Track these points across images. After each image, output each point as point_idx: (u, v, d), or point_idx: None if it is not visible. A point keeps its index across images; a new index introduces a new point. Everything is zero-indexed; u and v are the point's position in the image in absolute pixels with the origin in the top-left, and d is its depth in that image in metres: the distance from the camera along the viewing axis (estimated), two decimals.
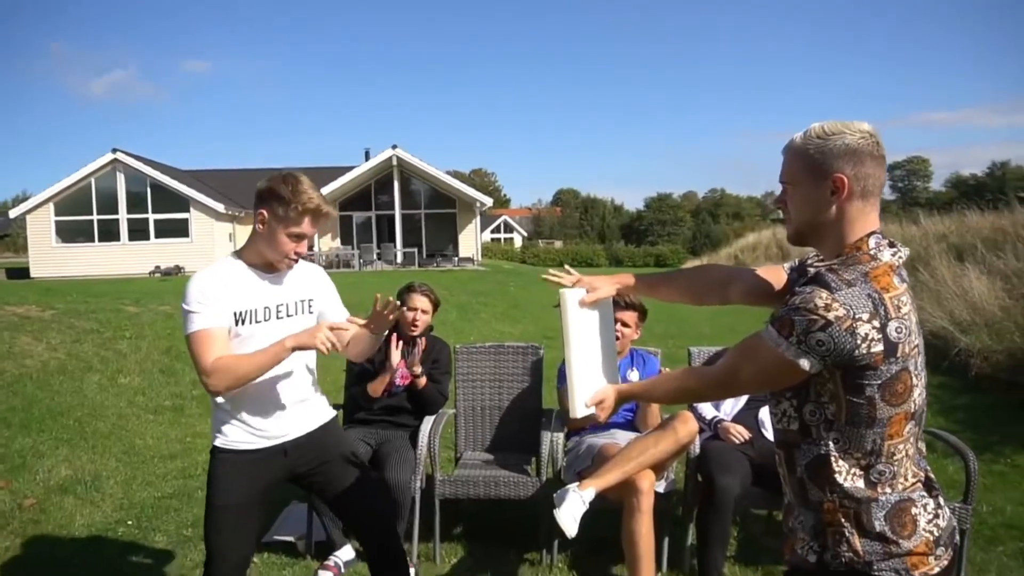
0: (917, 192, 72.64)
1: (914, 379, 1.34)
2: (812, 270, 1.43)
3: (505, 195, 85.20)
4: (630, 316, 3.38)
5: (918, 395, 1.37)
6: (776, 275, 1.67)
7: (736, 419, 3.35)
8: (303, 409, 2.35)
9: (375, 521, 2.44)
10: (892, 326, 1.29)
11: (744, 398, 3.38)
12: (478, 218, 26.91)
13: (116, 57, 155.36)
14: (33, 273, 21.96)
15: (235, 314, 2.18)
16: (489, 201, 27.43)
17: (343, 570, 3.23)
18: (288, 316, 2.28)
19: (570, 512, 2.68)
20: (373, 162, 24.58)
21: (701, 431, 3.15)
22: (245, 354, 2.14)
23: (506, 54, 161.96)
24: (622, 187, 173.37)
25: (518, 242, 57.75)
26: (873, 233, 1.39)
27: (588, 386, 1.80)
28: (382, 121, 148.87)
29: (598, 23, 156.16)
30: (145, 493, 4.31)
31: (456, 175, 34.36)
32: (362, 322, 2.24)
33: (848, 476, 1.37)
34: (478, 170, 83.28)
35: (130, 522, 3.84)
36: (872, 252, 1.37)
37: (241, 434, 2.25)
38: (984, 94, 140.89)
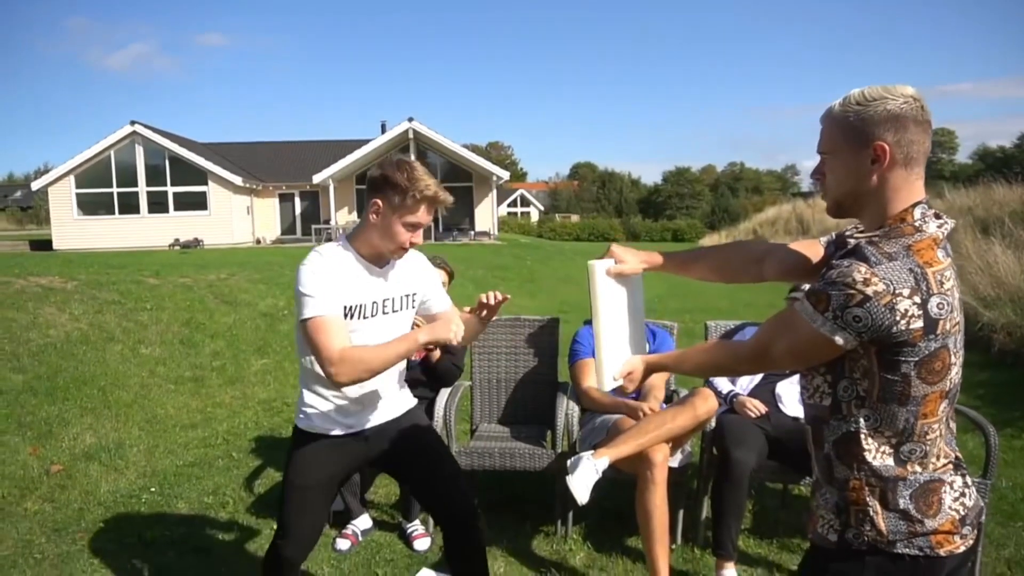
0: (942, 164, 71.23)
1: (952, 357, 1.30)
2: (852, 241, 1.36)
3: (522, 169, 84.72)
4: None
5: (955, 374, 1.32)
6: (813, 249, 1.60)
7: (752, 393, 3.34)
8: (389, 399, 2.35)
9: (454, 505, 2.35)
10: (934, 302, 1.25)
11: (759, 374, 3.36)
12: (494, 192, 26.79)
13: (135, 31, 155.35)
14: (56, 245, 22.26)
15: (345, 307, 2.12)
16: (506, 175, 27.27)
17: (360, 539, 3.28)
18: (394, 312, 2.26)
19: (582, 480, 2.69)
20: (389, 135, 24.50)
21: (718, 405, 3.14)
22: (374, 346, 2.08)
23: (523, 26, 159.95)
24: (640, 161, 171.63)
25: (535, 216, 57.49)
26: (919, 203, 1.33)
27: (616, 357, 1.77)
28: (398, 94, 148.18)
29: None
30: (167, 461, 4.39)
31: (473, 148, 34.17)
32: (469, 310, 2.27)
33: (877, 454, 1.33)
34: (495, 143, 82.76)
35: (153, 489, 3.93)
36: (917, 223, 1.31)
37: (325, 420, 2.24)
38: (1012, 65, 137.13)
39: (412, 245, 2.17)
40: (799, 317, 1.32)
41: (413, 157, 24.01)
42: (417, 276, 2.33)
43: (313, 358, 2.10)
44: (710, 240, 32.19)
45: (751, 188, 73.60)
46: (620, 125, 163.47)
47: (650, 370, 1.75)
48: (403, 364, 2.38)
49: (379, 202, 2.10)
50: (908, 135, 1.31)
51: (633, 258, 1.83)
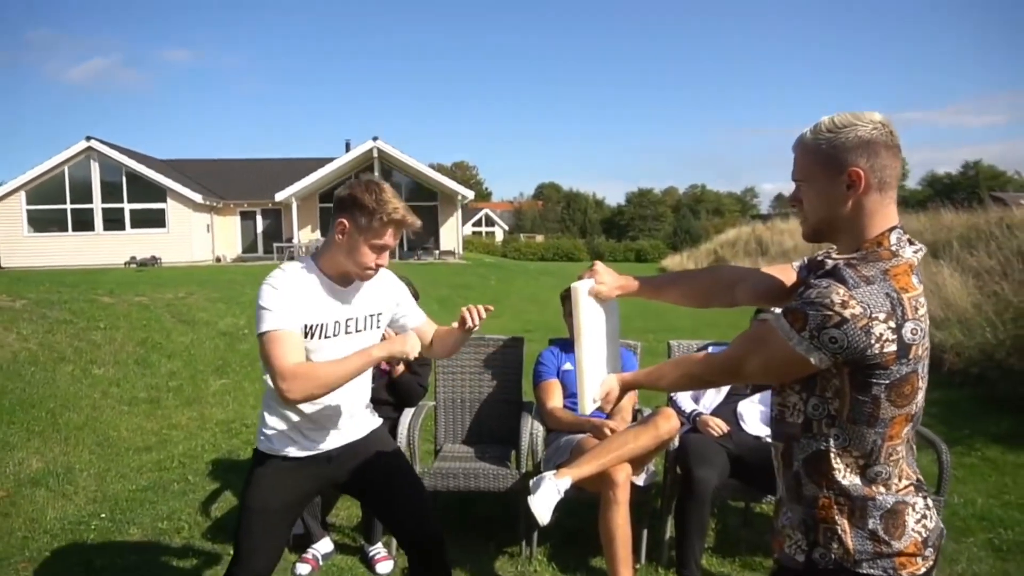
0: None
1: (920, 381, 1.33)
2: (830, 262, 1.38)
3: (487, 188, 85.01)
4: None
5: (920, 398, 1.35)
6: (785, 274, 1.62)
7: (715, 412, 3.37)
8: (353, 419, 2.30)
9: (420, 530, 2.30)
10: (908, 327, 1.27)
11: (724, 391, 3.40)
12: (459, 211, 26.83)
13: (96, 45, 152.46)
14: (4, 263, 21.52)
15: (306, 326, 2.07)
16: (471, 194, 27.33)
17: (321, 563, 3.21)
18: (357, 331, 2.21)
19: (544, 500, 2.69)
20: (353, 154, 24.40)
21: (680, 424, 3.17)
22: (327, 361, 2.04)
23: (488, 47, 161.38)
24: (604, 182, 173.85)
25: (499, 236, 57.69)
26: (894, 228, 1.36)
27: (596, 380, 1.78)
28: (363, 113, 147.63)
29: (579, 18, 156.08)
30: (119, 486, 4.24)
31: (438, 168, 34.23)
32: (456, 326, 2.24)
33: (846, 473, 1.35)
34: (460, 163, 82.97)
35: (104, 515, 3.79)
36: (893, 248, 1.34)
37: (288, 442, 2.19)
38: (959, 94, 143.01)
39: (378, 267, 2.13)
40: (775, 334, 1.33)
41: (377, 175, 23.95)
42: (384, 295, 2.30)
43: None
44: (672, 261, 32.61)
45: (712, 210, 75.01)
46: (585, 146, 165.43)
47: (626, 388, 1.75)
48: (366, 383, 2.35)
49: (345, 222, 2.06)
50: (880, 160, 1.34)
51: (612, 280, 1.85)
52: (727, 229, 33.97)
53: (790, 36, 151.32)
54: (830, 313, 1.25)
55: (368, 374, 2.30)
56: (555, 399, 3.39)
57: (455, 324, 2.26)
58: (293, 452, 2.19)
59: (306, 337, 2.08)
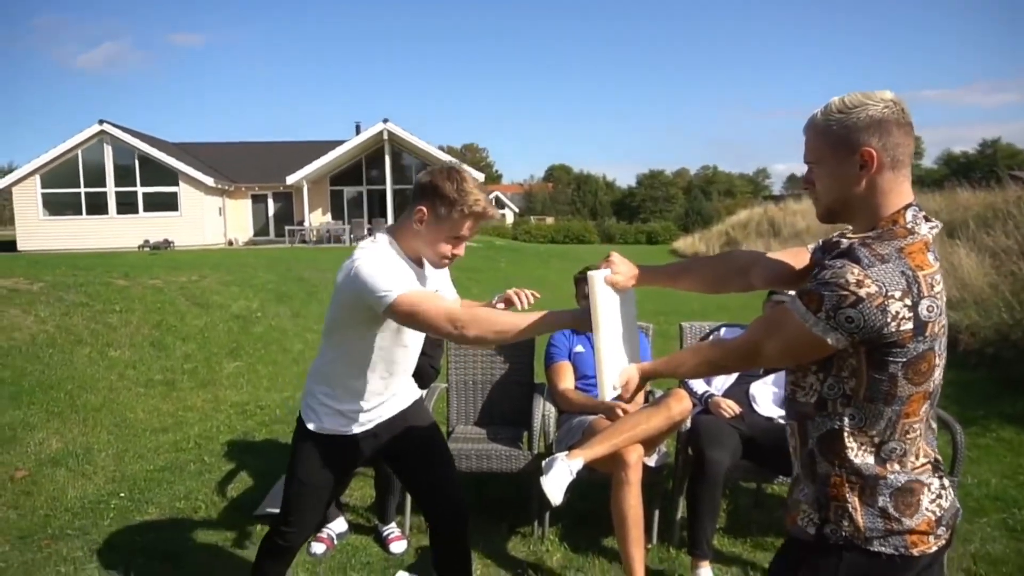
0: None
1: (937, 359, 1.33)
2: (845, 242, 1.38)
3: (497, 171, 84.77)
4: None
5: (938, 375, 1.36)
6: (800, 256, 1.62)
7: (727, 394, 3.37)
8: (403, 392, 2.35)
9: (447, 505, 2.37)
10: (924, 304, 1.27)
11: (734, 374, 3.40)
12: None
13: (107, 28, 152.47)
14: (20, 246, 21.73)
15: None
16: (481, 177, 27.16)
17: (336, 542, 3.25)
18: None
19: (556, 481, 2.70)
20: (363, 136, 24.34)
21: (693, 406, 3.17)
22: (503, 312, 2.01)
23: (499, 29, 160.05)
24: (615, 163, 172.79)
25: (510, 218, 57.52)
26: (910, 205, 1.36)
27: (615, 367, 1.78)
28: (373, 95, 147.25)
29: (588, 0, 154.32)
30: (137, 466, 4.31)
31: (448, 150, 34.09)
32: (496, 302, 2.23)
33: (859, 452, 1.36)
34: (470, 145, 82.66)
35: (122, 494, 3.85)
36: (909, 225, 1.33)
37: (336, 422, 2.23)
38: (975, 73, 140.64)
39: (455, 257, 2.10)
40: (791, 316, 1.33)
41: (388, 159, 23.95)
42: (437, 273, 2.30)
43: (427, 329, 1.99)
44: (684, 243, 32.45)
45: (724, 191, 74.48)
46: (595, 127, 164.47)
47: (646, 377, 1.75)
48: (415, 359, 2.37)
49: (424, 210, 2.03)
50: (892, 139, 1.33)
51: (627, 270, 1.84)
52: (739, 210, 33.75)
53: (802, 16, 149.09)
54: (846, 293, 1.25)
55: (418, 351, 2.34)
56: (567, 381, 3.39)
57: (496, 302, 2.21)
58: (343, 430, 2.24)
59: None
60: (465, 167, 2.09)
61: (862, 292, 1.24)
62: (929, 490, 1.38)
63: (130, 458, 4.43)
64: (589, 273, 1.81)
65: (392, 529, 3.30)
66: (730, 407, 3.25)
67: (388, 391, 2.27)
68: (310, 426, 2.23)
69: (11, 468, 4.08)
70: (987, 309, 7.14)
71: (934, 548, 1.36)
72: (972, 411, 5.15)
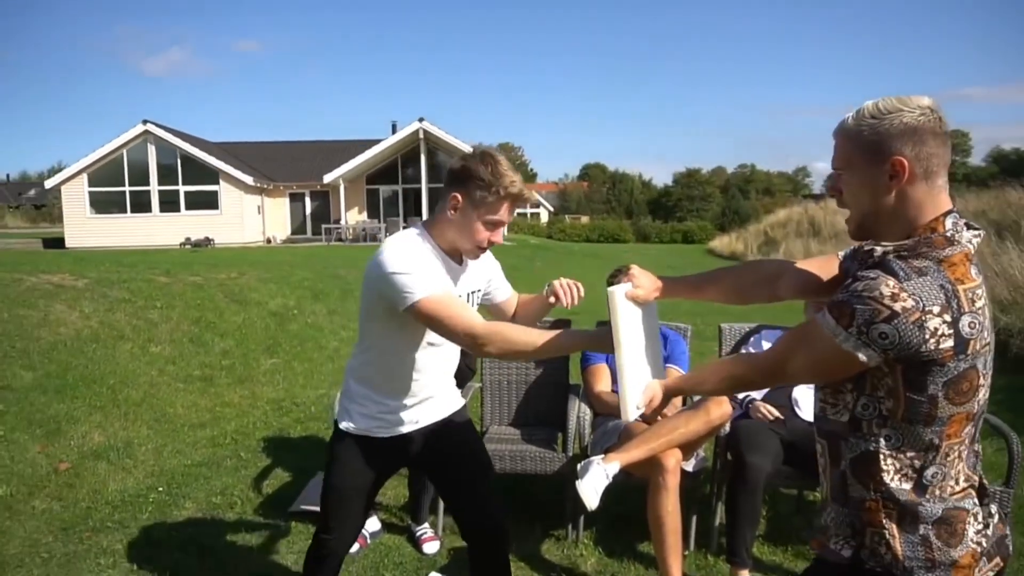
0: (955, 167, 70.62)
1: (981, 378, 1.24)
2: (879, 250, 1.29)
3: (532, 169, 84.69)
4: None
5: (983, 395, 1.26)
6: (829, 265, 1.54)
7: (768, 397, 3.28)
8: (442, 400, 2.30)
9: (486, 525, 2.30)
10: (965, 320, 1.19)
11: None
12: None
13: (173, 34, 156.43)
14: (68, 243, 22.39)
15: None
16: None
17: (369, 541, 3.25)
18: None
19: (592, 485, 2.65)
20: (399, 135, 24.52)
21: (732, 410, 3.09)
22: (525, 329, 1.94)
23: (533, 27, 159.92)
24: (650, 162, 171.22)
25: (544, 217, 57.43)
26: (950, 212, 1.27)
27: (638, 385, 1.71)
28: (409, 94, 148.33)
29: None
30: (175, 461, 4.37)
31: None
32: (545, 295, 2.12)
33: (896, 477, 1.28)
34: (505, 144, 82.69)
35: (161, 489, 3.91)
36: (949, 234, 1.25)
37: (375, 424, 2.17)
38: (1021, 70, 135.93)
39: (491, 244, 2.05)
40: (820, 331, 1.25)
41: (423, 157, 24.07)
42: (484, 270, 2.24)
43: (451, 336, 1.95)
44: (720, 242, 32.01)
45: (762, 190, 73.32)
46: (630, 126, 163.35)
47: (669, 395, 1.68)
48: (454, 364, 2.32)
49: (459, 196, 1.97)
50: (927, 148, 1.25)
51: (649, 283, 1.78)
52: (778, 209, 33.14)
53: (843, 12, 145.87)
54: (879, 307, 1.17)
55: (455, 358, 2.30)
56: (603, 383, 3.34)
57: (547, 295, 2.09)
58: (379, 433, 2.18)
59: None
60: (497, 151, 2.02)
61: (897, 306, 1.16)
62: (976, 519, 1.28)
63: (169, 453, 4.50)
64: (608, 289, 1.73)
65: (425, 529, 3.28)
66: (770, 412, 3.16)
67: (423, 392, 2.20)
68: (343, 425, 2.20)
69: (55, 460, 4.17)
70: None
71: None
72: None
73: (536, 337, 1.87)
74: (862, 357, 1.21)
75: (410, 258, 1.94)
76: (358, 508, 2.26)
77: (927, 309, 1.17)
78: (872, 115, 1.27)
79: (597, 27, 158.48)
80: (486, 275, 2.27)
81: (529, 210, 57.86)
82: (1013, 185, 12.64)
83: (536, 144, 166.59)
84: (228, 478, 4.07)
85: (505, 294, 2.34)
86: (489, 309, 2.35)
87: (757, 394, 3.30)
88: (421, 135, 23.93)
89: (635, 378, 1.72)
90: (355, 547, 3.15)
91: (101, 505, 3.68)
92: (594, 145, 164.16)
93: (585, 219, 56.29)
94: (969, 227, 1.27)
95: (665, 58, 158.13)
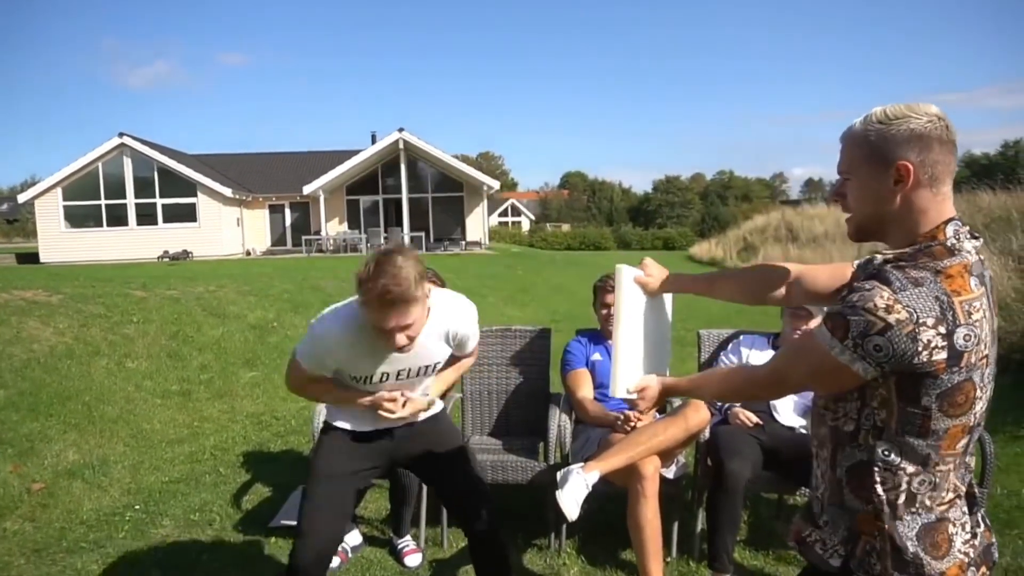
0: None
1: (978, 391, 1.24)
2: (879, 258, 1.30)
3: (512, 178, 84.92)
4: None
5: (980, 408, 1.26)
6: (841, 272, 1.55)
7: (746, 404, 3.30)
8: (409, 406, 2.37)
9: (478, 523, 2.42)
10: (960, 333, 1.18)
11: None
12: (485, 202, 26.79)
13: (156, 48, 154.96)
14: (43, 258, 22.04)
15: (350, 376, 2.20)
16: (496, 184, 27.26)
17: (351, 555, 3.21)
18: (408, 379, 2.26)
19: (572, 495, 2.64)
20: (379, 146, 24.46)
21: (711, 416, 3.10)
22: (330, 387, 2.26)
23: (513, 37, 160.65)
24: (630, 170, 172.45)
25: (526, 225, 57.58)
26: (951, 220, 1.26)
27: (632, 369, 1.73)
28: (388, 105, 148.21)
29: (602, 7, 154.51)
30: (153, 478, 4.31)
31: (463, 159, 34.18)
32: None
33: (890, 489, 1.28)
34: (485, 153, 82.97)
35: (138, 507, 3.84)
36: (950, 244, 1.24)
37: (345, 418, 2.34)
38: (995, 74, 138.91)
39: (409, 341, 1.98)
40: (817, 343, 1.25)
41: (403, 167, 24.04)
42: (440, 345, 2.23)
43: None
44: (700, 248, 32.23)
45: (740, 196, 74.08)
46: (609, 134, 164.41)
47: (666, 392, 1.70)
48: (429, 373, 2.38)
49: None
50: (932, 155, 1.25)
51: (659, 272, 1.83)
52: (756, 215, 33.44)
53: (817, 20, 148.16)
54: (873, 319, 1.17)
55: (419, 384, 2.39)
56: (586, 388, 3.34)
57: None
58: (363, 427, 2.33)
59: (351, 380, 2.21)
60: (397, 250, 1.94)
61: (891, 319, 1.16)
62: (963, 529, 1.29)
63: (146, 470, 4.44)
64: (617, 265, 1.80)
65: (407, 542, 3.26)
66: (748, 418, 3.18)
67: (380, 417, 2.28)
68: (326, 418, 2.39)
69: (28, 480, 4.09)
70: (1012, 314, 6.98)
71: None
72: (999, 418, 5.01)
73: (335, 394, 2.28)
74: (858, 370, 1.21)
75: (314, 343, 2.12)
76: (336, 505, 2.27)
77: (921, 321, 1.16)
78: (880, 120, 1.28)
79: (575, 37, 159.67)
80: (447, 345, 2.26)
81: (511, 218, 58.00)
82: (983, 189, 12.86)
83: (517, 153, 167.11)
84: (207, 494, 4.01)
85: (467, 351, 2.44)
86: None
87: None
88: (401, 145, 23.89)
89: (630, 360, 1.75)
90: (336, 562, 3.12)
91: (76, 525, 3.62)
92: (574, 153, 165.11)
93: (566, 227, 56.47)
94: (972, 236, 1.27)
95: (644, 66, 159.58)
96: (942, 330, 1.17)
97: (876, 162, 1.28)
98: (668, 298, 1.92)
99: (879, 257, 1.31)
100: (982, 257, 1.28)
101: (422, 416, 2.41)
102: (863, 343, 1.19)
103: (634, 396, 1.72)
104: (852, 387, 1.26)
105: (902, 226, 1.30)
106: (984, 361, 1.23)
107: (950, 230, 1.26)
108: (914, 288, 1.19)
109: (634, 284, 1.79)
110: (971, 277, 1.23)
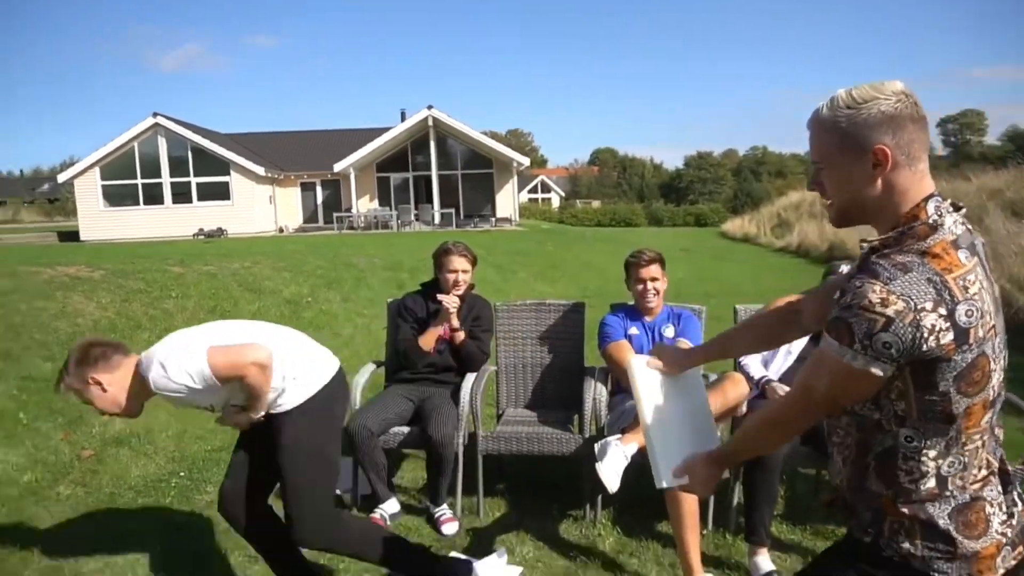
0: (970, 146, 69.66)
1: (992, 363, 1.20)
2: (865, 246, 1.26)
3: (542, 155, 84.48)
4: (655, 269, 3.30)
5: (997, 379, 1.22)
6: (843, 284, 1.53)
7: (784, 378, 3.27)
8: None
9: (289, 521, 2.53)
10: (961, 310, 1.15)
11: (794, 354, 3.29)
12: (515, 178, 26.70)
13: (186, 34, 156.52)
14: (83, 236, 22.60)
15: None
16: (526, 161, 27.13)
17: (389, 523, 3.28)
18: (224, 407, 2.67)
19: (612, 466, 2.66)
20: (409, 123, 24.48)
21: (749, 390, 3.08)
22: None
23: (543, 13, 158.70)
24: (660, 146, 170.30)
25: (555, 202, 57.30)
26: (931, 196, 1.23)
27: (673, 453, 1.66)
28: (417, 83, 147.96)
29: None
30: (196, 446, 4.43)
31: (492, 135, 34.05)
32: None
33: (917, 471, 1.24)
34: (515, 130, 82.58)
35: (182, 474, 3.96)
36: (932, 221, 1.21)
37: (311, 380, 2.61)
38: None
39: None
40: (829, 354, 1.21)
41: (433, 145, 24.05)
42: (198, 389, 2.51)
43: None
44: (733, 224, 31.80)
45: (774, 172, 72.72)
46: (640, 110, 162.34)
47: (715, 464, 1.58)
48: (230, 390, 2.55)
49: None
50: (907, 135, 1.22)
51: (670, 356, 1.79)
52: (790, 191, 32.85)
53: None
54: (873, 316, 1.13)
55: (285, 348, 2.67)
56: (630, 355, 3.32)
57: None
58: (320, 382, 2.70)
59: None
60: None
61: (889, 311, 1.12)
62: (1001, 509, 1.25)
63: (188, 439, 4.56)
64: (628, 362, 1.80)
65: (444, 511, 3.31)
66: (786, 392, 3.15)
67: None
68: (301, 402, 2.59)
69: (78, 448, 4.23)
70: None
71: (1001, 571, 1.24)
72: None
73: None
74: (877, 371, 1.18)
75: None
76: (238, 462, 2.64)
77: (919, 307, 1.13)
78: (848, 105, 1.24)
79: (605, 12, 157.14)
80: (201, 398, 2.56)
81: (540, 195, 57.74)
82: None
83: (546, 130, 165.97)
84: None
85: None
86: None
87: (773, 374, 3.30)
88: (430, 122, 23.87)
89: (666, 445, 1.69)
90: None
91: (124, 490, 3.74)
92: (604, 130, 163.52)
93: (596, 203, 56.08)
94: (954, 207, 1.24)
95: (675, 41, 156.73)
96: (942, 311, 1.14)
97: (850, 149, 1.25)
98: (696, 374, 1.86)
99: (864, 246, 1.27)
100: (969, 227, 1.25)
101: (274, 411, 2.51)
102: (871, 343, 1.15)
103: (684, 480, 1.62)
104: (876, 390, 1.22)
105: (885, 208, 1.26)
106: (992, 331, 1.19)
107: (931, 207, 1.23)
108: (903, 274, 1.15)
109: (649, 370, 1.74)
110: (959, 251, 1.19)
